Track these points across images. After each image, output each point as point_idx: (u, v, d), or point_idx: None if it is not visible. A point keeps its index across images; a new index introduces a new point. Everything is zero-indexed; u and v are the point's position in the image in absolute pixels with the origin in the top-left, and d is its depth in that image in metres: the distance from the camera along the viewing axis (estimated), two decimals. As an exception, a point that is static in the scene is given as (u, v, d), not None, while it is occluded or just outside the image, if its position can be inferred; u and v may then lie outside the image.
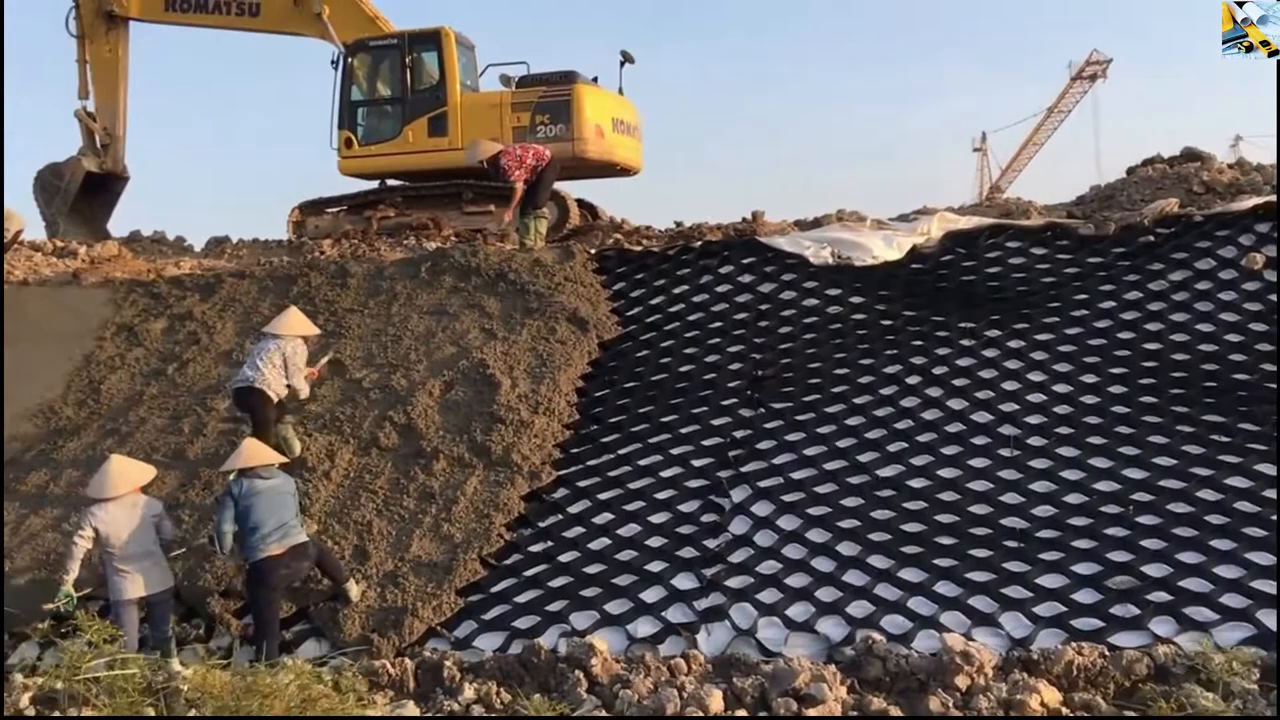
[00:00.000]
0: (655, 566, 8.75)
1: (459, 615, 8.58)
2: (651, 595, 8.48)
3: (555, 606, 8.53)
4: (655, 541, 9.01)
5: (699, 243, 12.57)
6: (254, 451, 8.57)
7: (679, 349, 10.98)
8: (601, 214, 17.82)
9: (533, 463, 9.74)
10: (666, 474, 9.65)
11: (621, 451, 9.93)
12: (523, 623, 8.43)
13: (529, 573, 8.88)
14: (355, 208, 17.15)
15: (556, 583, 8.76)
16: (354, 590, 8.74)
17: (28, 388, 11.66)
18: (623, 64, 17.15)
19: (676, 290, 11.73)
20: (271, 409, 9.88)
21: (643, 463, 9.78)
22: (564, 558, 8.99)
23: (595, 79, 16.91)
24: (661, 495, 9.45)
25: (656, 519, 9.23)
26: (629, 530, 9.17)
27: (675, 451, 9.85)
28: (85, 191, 18.62)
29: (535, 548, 9.13)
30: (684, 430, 10.06)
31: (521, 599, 8.67)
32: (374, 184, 17.42)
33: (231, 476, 8.66)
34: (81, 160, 18.46)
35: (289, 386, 9.96)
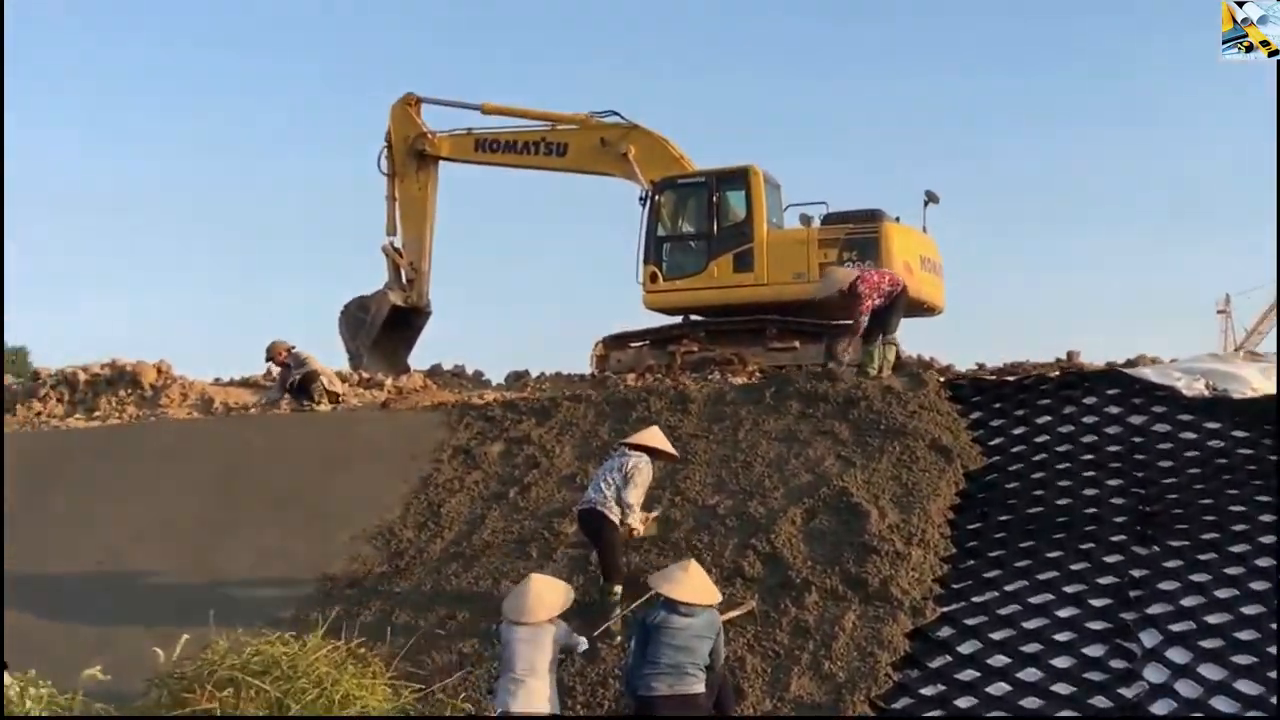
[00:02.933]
0: (1067, 715, 7.85)
1: (850, 763, 7.85)
2: (1067, 749, 7.60)
3: (958, 757, 7.71)
4: (1062, 688, 8.11)
5: (1056, 374, 11.87)
6: (693, 585, 8.01)
7: (1052, 481, 10.16)
8: (901, 353, 17.18)
9: (913, 597, 9.00)
10: (1062, 613, 8.76)
11: (1007, 588, 9.09)
12: (923, 775, 7.64)
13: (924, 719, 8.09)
14: (658, 342, 16.95)
15: (956, 730, 7.95)
16: (732, 732, 8.09)
17: (365, 509, 11.56)
18: (926, 203, 16.74)
19: (1039, 420, 10.94)
20: (616, 533, 9.44)
21: (1033, 600, 8.92)
22: (961, 702, 8.17)
23: (898, 218, 16.47)
24: (1060, 636, 8.55)
25: (1059, 663, 8.33)
26: (1030, 675, 8.28)
27: (1068, 589, 8.97)
28: (387, 325, 18.99)
29: (927, 690, 8.33)
30: (1073, 567, 9.17)
31: (919, 747, 7.88)
32: (675, 319, 17.20)
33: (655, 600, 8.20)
34: (388, 294, 18.89)
35: (620, 504, 9.43)
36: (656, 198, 16.95)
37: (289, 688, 5.71)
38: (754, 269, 16.26)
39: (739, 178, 16.59)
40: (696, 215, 16.92)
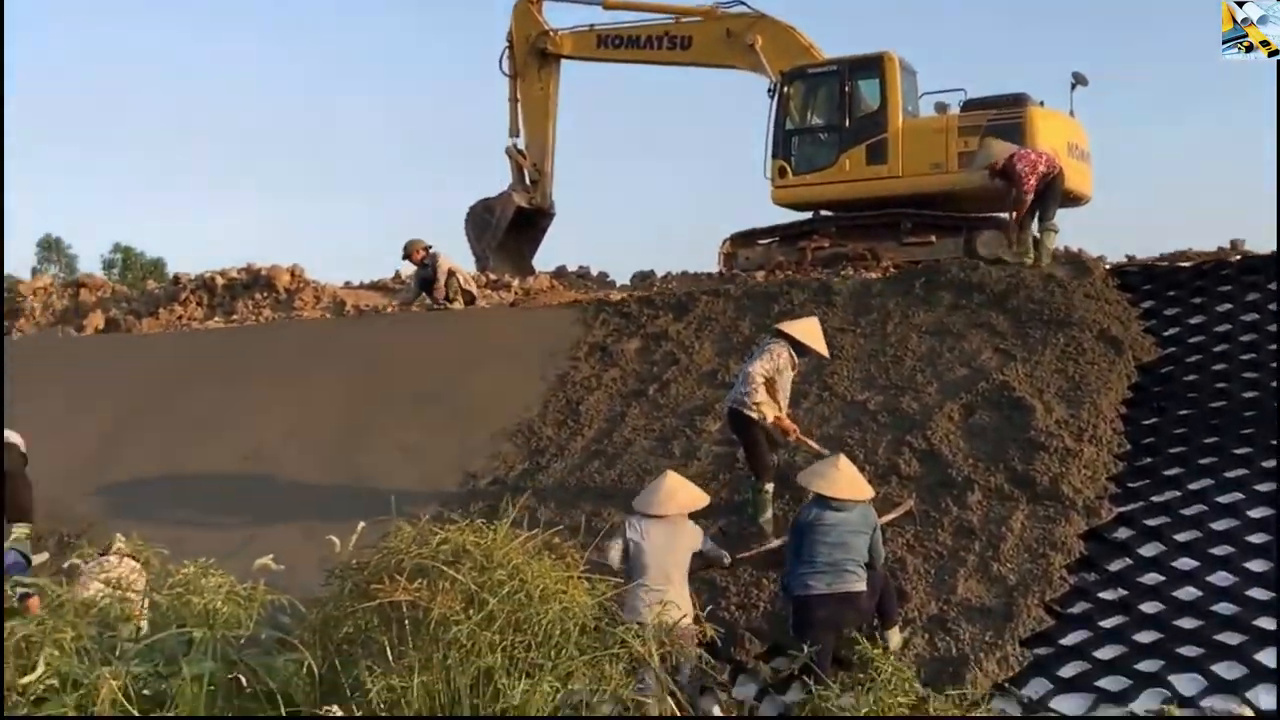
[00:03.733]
0: (1267, 623, 6.99)
1: (1027, 670, 7.09)
2: (1269, 658, 6.73)
3: (1148, 666, 6.90)
4: (1259, 593, 7.24)
5: (1236, 257, 10.78)
6: (840, 479, 7.35)
7: (1236, 373, 9.18)
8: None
9: (1086, 497, 8.15)
10: (1254, 514, 7.85)
11: (1191, 487, 8.20)
12: (1110, 683, 6.85)
13: (1106, 624, 7.29)
14: (787, 238, 16.02)
15: (1143, 637, 7.13)
16: (895, 639, 7.36)
17: (503, 407, 11.00)
18: (1074, 86, 15.39)
19: (1220, 309, 9.91)
20: (760, 429, 8.59)
21: (1220, 500, 8.03)
22: (1146, 607, 7.34)
23: (1042, 103, 15.22)
24: (1254, 539, 7.67)
25: (1254, 566, 7.46)
26: (1222, 579, 7.42)
27: (1260, 488, 8.04)
28: (512, 227, 18.35)
29: (1106, 594, 7.52)
30: (1265, 464, 8.24)
31: (1102, 654, 7.08)
32: (804, 215, 16.25)
33: (809, 498, 7.51)
34: (512, 195, 18.21)
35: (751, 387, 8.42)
36: (785, 89, 15.87)
37: (485, 579, 4.90)
38: (888, 160, 15.15)
39: (873, 65, 15.41)
40: (827, 106, 15.81)
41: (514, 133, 18.52)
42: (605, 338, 11.63)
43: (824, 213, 16.02)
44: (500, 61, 18.46)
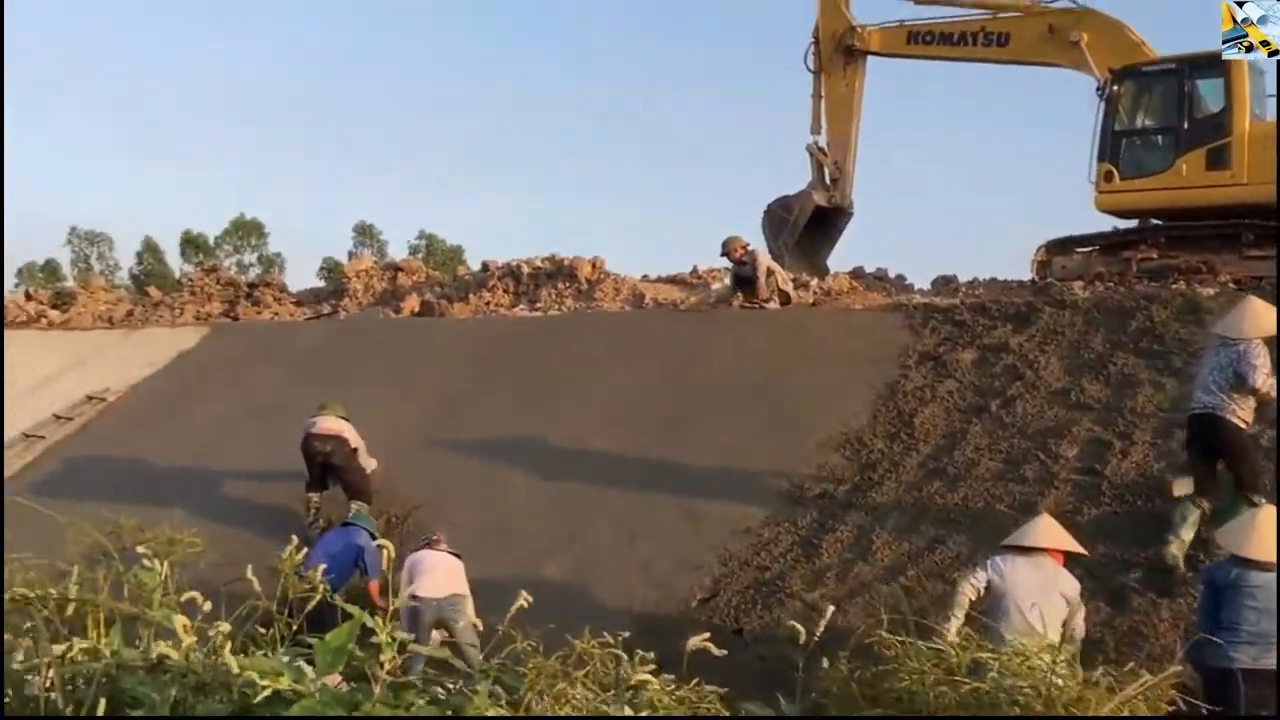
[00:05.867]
0: None
1: None
2: None
3: None
4: None
5: None
6: (1259, 537, 6.01)
7: None
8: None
9: None
10: None
11: None
12: None
13: None
14: (1109, 248, 14.45)
15: None
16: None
17: (828, 414, 10.07)
18: None
19: None
20: (1242, 434, 7.51)
21: None
22: None
23: None
24: None
25: None
26: None
27: None
28: (809, 225, 17.30)
29: None
30: None
31: None
32: (1124, 224, 14.63)
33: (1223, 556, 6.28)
34: (811, 194, 17.15)
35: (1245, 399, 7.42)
36: (1116, 88, 14.26)
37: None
38: (1231, 166, 13.42)
39: (1217, 64, 13.54)
40: (1163, 107, 14.14)
41: (815, 130, 17.44)
42: (937, 346, 10.49)
43: (1153, 221, 14.38)
44: (805, 57, 17.38)
